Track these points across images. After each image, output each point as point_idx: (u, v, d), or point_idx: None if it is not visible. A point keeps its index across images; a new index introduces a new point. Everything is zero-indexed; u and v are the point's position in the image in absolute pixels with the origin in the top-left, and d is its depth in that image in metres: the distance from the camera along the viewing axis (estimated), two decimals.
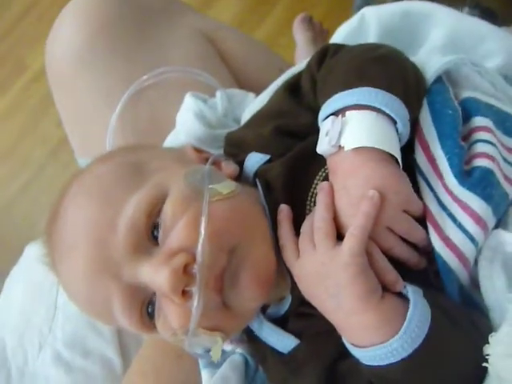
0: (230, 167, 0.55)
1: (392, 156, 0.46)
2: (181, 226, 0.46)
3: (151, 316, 0.49)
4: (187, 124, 0.65)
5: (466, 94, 0.52)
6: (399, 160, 0.47)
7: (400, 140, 0.48)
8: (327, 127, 0.48)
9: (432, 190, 0.47)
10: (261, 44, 0.90)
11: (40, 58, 1.90)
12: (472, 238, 0.45)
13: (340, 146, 0.47)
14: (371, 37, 0.61)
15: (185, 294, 0.44)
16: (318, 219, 0.47)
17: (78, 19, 0.72)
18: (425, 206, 0.47)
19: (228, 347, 0.58)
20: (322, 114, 0.50)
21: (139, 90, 0.70)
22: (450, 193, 0.46)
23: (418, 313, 0.42)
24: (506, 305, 0.42)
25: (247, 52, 0.83)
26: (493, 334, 0.42)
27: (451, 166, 0.47)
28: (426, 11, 0.59)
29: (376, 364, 0.43)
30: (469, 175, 0.47)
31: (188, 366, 0.60)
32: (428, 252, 0.47)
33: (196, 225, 0.45)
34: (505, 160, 0.48)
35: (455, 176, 0.46)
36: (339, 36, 0.64)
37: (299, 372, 0.50)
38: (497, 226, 0.47)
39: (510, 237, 0.45)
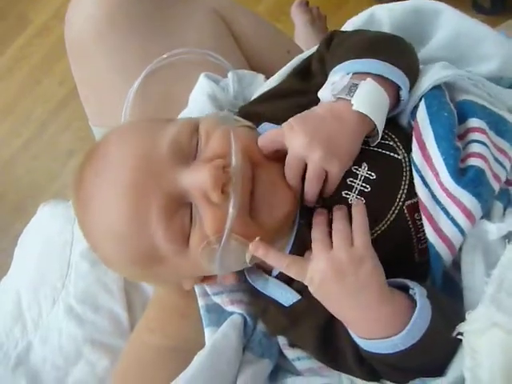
0: None
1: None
2: (214, 139, 0.52)
3: (186, 228, 0.50)
4: (200, 104, 0.67)
5: (462, 96, 0.56)
6: (380, 133, 0.52)
7: (400, 105, 0.55)
8: (334, 79, 0.53)
9: (427, 186, 0.52)
10: (270, 25, 0.91)
11: (43, 13, 1.85)
12: (462, 231, 0.50)
13: (339, 97, 0.52)
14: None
15: (223, 193, 0.48)
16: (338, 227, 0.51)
17: None
18: (420, 201, 0.52)
19: (228, 308, 0.62)
20: (332, 72, 0.55)
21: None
22: (445, 189, 0.51)
23: (421, 315, 0.46)
24: (484, 288, 0.46)
25: (257, 33, 0.85)
26: (470, 311, 0.46)
27: (447, 165, 0.51)
28: (435, 9, 0.62)
29: (375, 352, 0.48)
30: (463, 174, 0.51)
31: (192, 324, 0.64)
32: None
33: (227, 138, 0.51)
34: (495, 159, 0.52)
35: (451, 175, 0.50)
36: (347, 29, 0.66)
37: (298, 324, 0.55)
38: (482, 217, 0.51)
39: (493, 227, 0.49)
